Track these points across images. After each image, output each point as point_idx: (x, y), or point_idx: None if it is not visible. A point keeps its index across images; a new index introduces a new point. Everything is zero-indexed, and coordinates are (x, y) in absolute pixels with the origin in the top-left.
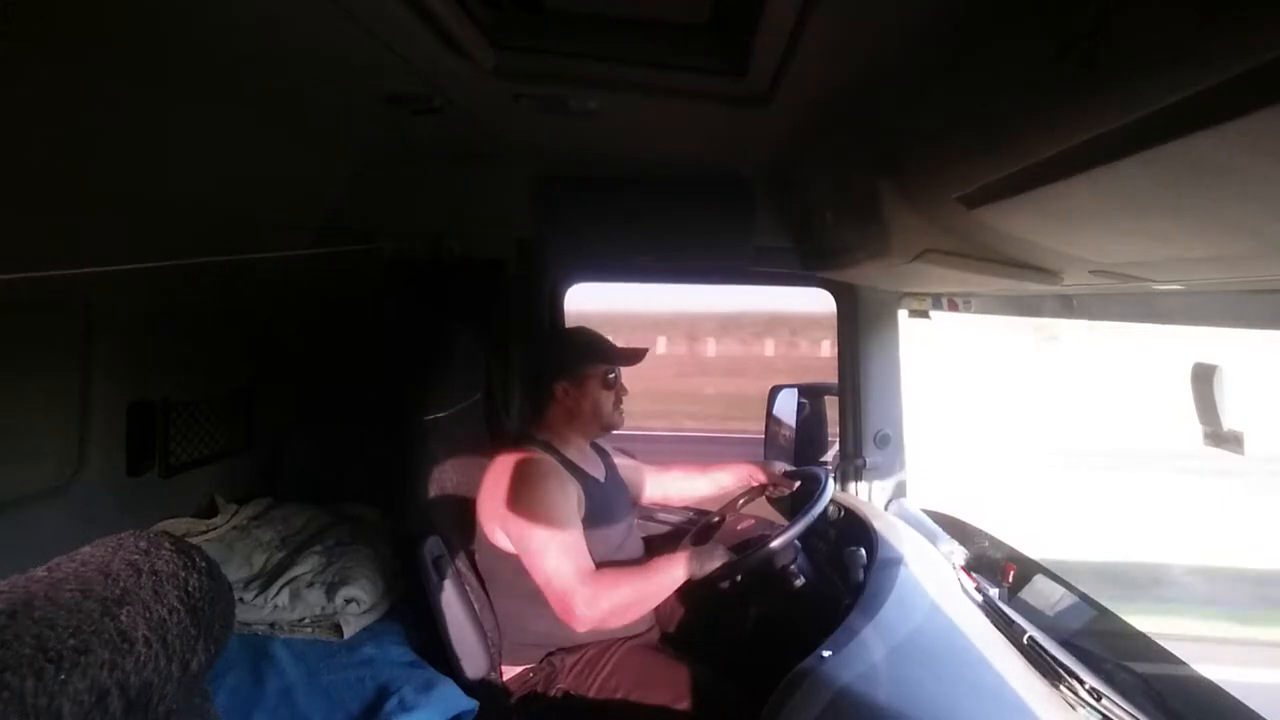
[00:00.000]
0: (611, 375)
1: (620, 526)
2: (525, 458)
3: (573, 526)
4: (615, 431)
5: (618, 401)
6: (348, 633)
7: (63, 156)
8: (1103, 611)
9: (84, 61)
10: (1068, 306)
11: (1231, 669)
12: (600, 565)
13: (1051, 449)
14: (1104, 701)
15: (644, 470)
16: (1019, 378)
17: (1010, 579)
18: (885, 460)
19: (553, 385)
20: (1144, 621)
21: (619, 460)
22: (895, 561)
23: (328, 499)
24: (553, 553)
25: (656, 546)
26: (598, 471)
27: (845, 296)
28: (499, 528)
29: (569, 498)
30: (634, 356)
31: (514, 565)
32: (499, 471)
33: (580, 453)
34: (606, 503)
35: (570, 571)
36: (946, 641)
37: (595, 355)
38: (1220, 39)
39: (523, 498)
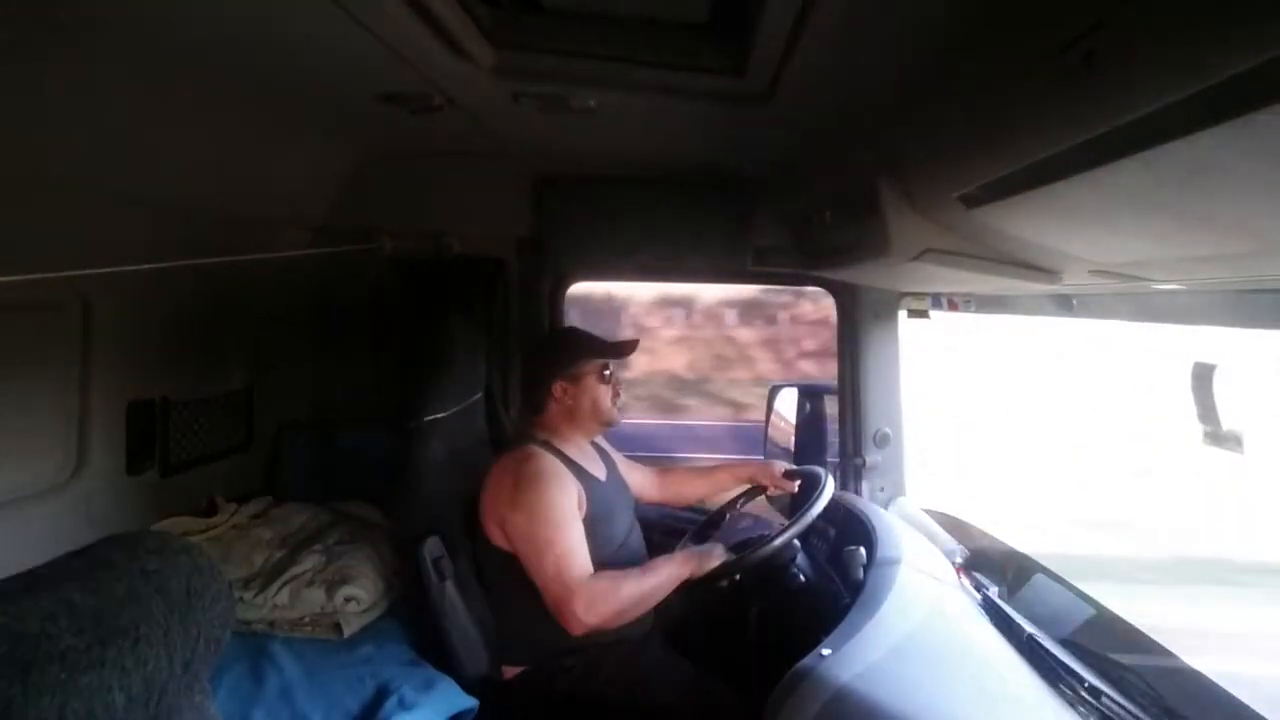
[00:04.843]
0: (607, 371)
1: (622, 526)
2: (527, 456)
3: (573, 527)
4: (614, 427)
5: (615, 396)
6: (347, 631)
7: (63, 156)
8: (1102, 611)
9: (83, 61)
10: (1067, 306)
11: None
12: (601, 565)
13: None
14: (1104, 701)
15: (646, 471)
16: None
17: (1010, 579)
18: (885, 460)
19: (551, 385)
20: None
21: (620, 460)
22: (895, 561)
23: (328, 499)
24: (552, 554)
25: (656, 546)
26: (599, 470)
27: (845, 296)
28: (498, 527)
29: (570, 497)
30: (626, 349)
31: (514, 565)
32: (501, 471)
33: (581, 451)
34: (608, 502)
35: (569, 574)
36: (946, 641)
37: (590, 351)
38: (1219, 39)
39: (523, 497)
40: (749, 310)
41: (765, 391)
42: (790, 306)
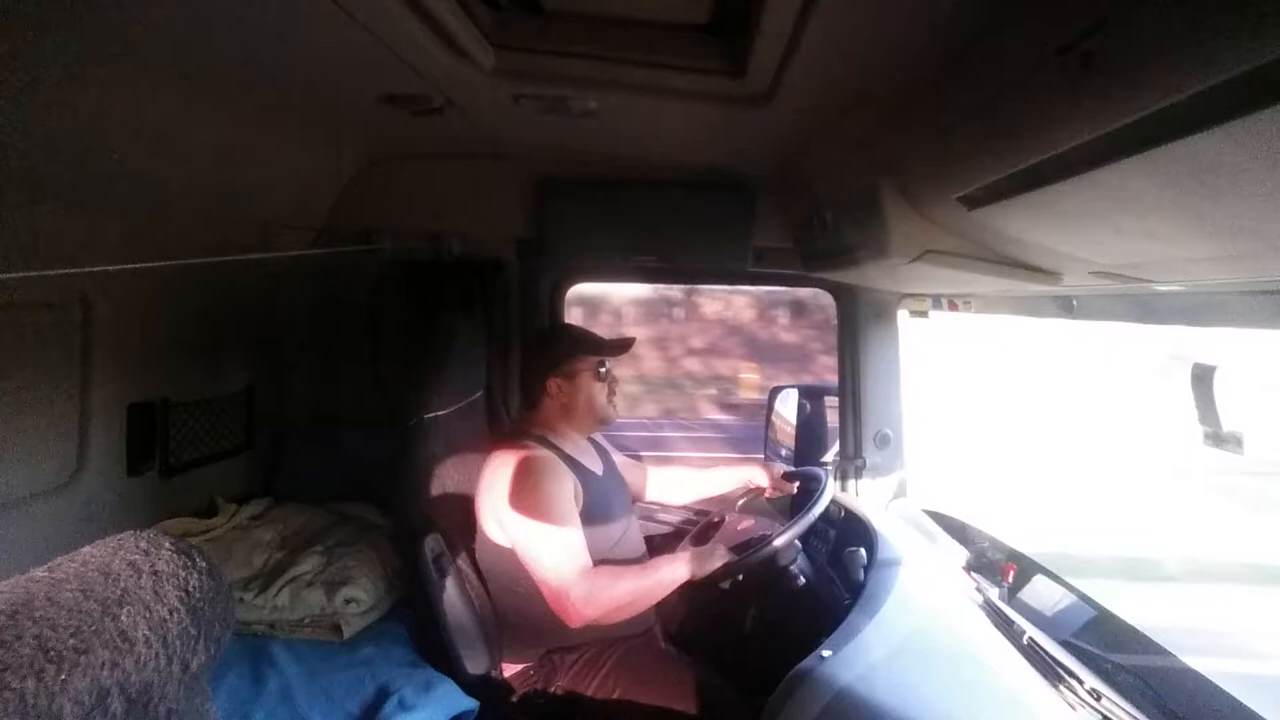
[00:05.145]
0: (603, 368)
1: (618, 522)
2: (522, 452)
3: (570, 521)
4: (609, 425)
5: (611, 393)
6: (347, 633)
7: (63, 157)
8: (1102, 611)
9: (83, 63)
10: (1068, 307)
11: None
12: (599, 561)
13: None
14: (1104, 702)
15: (645, 469)
16: None
17: (1010, 579)
18: (885, 460)
19: (546, 382)
20: None
21: (618, 457)
22: (895, 562)
23: (328, 499)
24: (550, 548)
25: (657, 546)
26: (595, 466)
27: (845, 297)
28: (496, 523)
29: (566, 491)
30: (622, 347)
31: (513, 561)
32: (496, 466)
33: (577, 447)
34: (604, 497)
35: (567, 567)
36: (946, 642)
37: (585, 348)
38: (1219, 40)
39: (520, 492)
40: (651, 308)
41: (632, 390)
42: (684, 305)
